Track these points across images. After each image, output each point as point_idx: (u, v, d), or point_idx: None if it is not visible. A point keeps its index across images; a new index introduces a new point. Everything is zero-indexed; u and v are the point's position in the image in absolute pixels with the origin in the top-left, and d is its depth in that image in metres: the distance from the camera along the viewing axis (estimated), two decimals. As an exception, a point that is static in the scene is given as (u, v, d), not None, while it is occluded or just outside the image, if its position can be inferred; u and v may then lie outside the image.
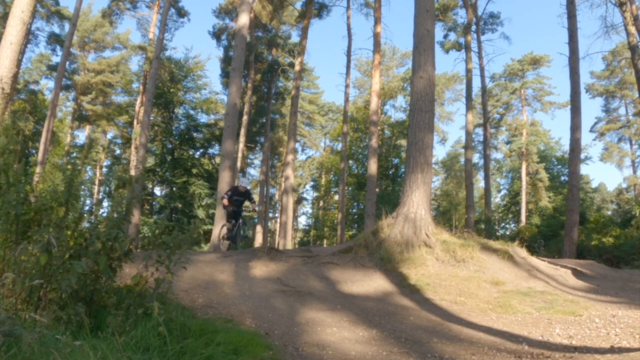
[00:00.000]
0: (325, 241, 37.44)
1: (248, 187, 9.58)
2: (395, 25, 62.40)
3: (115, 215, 3.31)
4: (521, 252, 8.27)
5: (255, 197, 44.70)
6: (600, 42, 69.30)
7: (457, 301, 5.64)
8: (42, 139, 19.07)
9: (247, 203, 9.63)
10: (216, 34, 26.77)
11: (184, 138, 25.91)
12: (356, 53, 38.95)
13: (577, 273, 7.98)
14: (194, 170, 25.05)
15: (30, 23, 18.33)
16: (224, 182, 11.84)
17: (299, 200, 44.14)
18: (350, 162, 29.85)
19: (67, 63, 23.28)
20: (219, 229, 10.38)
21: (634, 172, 34.81)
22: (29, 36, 24.18)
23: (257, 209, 10.49)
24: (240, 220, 9.52)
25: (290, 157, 21.73)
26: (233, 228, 9.46)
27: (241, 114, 23.51)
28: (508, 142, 37.03)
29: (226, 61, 25.98)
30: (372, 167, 18.38)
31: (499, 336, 4.10)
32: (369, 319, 4.74)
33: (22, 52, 23.23)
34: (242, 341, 3.15)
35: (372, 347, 3.74)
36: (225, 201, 9.38)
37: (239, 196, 9.48)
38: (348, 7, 22.11)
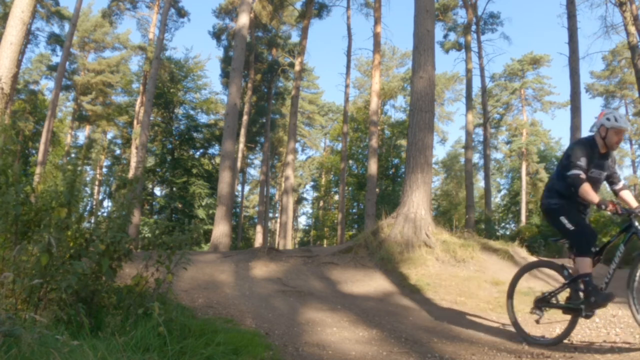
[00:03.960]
0: (325, 241, 37.41)
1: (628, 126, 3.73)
2: (395, 25, 62.23)
3: (118, 217, 3.29)
4: (521, 252, 8.27)
5: (255, 198, 44.70)
6: (600, 42, 69.48)
7: (458, 301, 5.64)
8: (42, 139, 19.05)
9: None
10: (216, 34, 26.78)
11: (184, 138, 25.94)
12: (356, 53, 38.89)
13: (577, 273, 7.96)
14: (194, 171, 25.08)
15: (30, 23, 18.32)
16: (224, 182, 11.86)
17: (299, 200, 44.11)
18: (350, 162, 29.82)
19: (67, 63, 23.25)
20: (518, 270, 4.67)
21: (634, 172, 34.82)
22: (29, 36, 24.15)
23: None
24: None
25: (290, 157, 21.73)
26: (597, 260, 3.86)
27: (241, 114, 23.50)
28: (508, 142, 37.01)
29: (226, 61, 25.97)
30: (372, 167, 18.38)
31: (499, 336, 4.11)
32: (369, 319, 4.74)
33: (22, 52, 23.20)
34: (242, 341, 3.14)
35: (372, 347, 3.73)
36: (594, 197, 3.60)
37: (598, 167, 3.78)
38: (348, 7, 22.09)
